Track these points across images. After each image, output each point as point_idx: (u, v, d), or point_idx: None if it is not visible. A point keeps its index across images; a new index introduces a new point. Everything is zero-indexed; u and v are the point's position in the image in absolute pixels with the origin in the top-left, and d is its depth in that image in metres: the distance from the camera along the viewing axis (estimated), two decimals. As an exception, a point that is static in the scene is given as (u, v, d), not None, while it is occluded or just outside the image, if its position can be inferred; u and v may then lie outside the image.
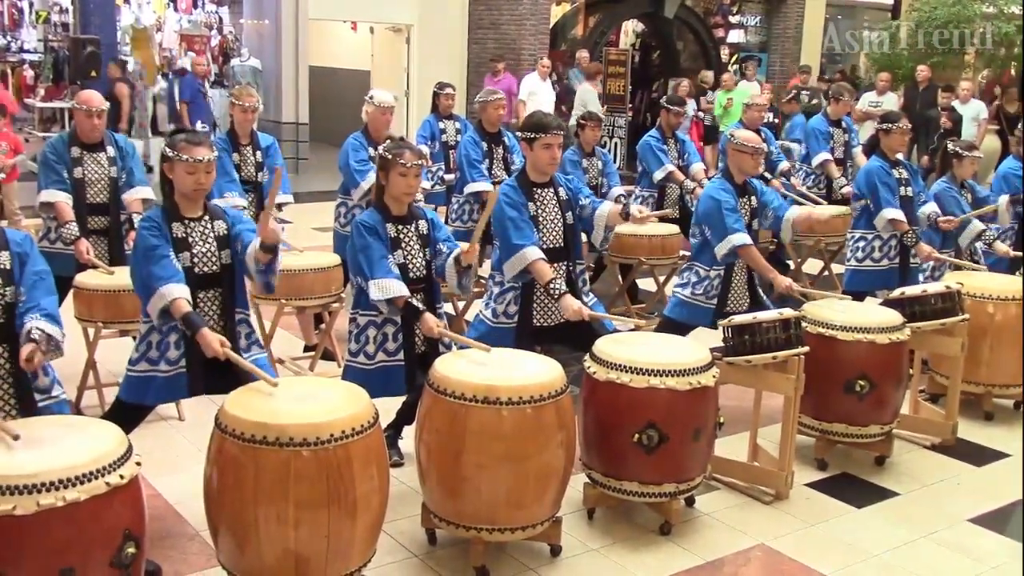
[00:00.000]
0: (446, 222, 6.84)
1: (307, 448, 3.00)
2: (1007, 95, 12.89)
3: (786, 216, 5.04)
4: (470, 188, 6.68)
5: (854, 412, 4.55)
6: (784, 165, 8.21)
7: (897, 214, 5.76)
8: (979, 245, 6.04)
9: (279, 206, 5.90)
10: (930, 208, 5.90)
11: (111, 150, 5.34)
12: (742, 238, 4.79)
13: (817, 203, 7.92)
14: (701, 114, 13.35)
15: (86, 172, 5.26)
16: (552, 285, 4.22)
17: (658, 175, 7.22)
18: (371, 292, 3.86)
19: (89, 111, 5.20)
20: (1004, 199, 6.19)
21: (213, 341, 3.49)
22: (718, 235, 4.83)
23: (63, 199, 5.14)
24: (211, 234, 3.72)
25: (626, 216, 4.44)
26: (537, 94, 12.28)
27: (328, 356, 5.75)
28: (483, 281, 5.51)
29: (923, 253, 5.75)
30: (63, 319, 3.30)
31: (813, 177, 8.26)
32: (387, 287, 3.85)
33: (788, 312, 4.33)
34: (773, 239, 6.70)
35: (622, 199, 6.94)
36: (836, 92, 8.61)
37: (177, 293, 3.53)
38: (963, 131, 10.90)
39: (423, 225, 4.09)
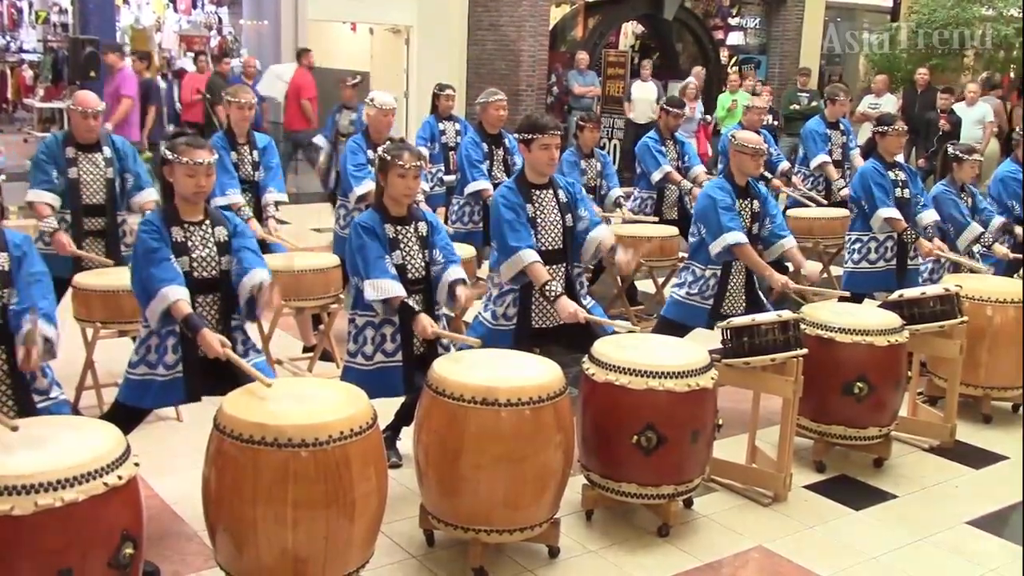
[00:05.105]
0: (446, 223, 6.85)
1: (305, 449, 3.00)
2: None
3: (781, 243, 5.01)
4: (470, 188, 6.68)
5: (852, 414, 4.55)
6: (784, 165, 8.29)
7: (893, 213, 5.76)
8: (977, 248, 6.05)
9: (276, 204, 5.91)
10: (930, 217, 5.89)
11: (107, 151, 5.33)
12: (736, 236, 4.79)
13: (820, 203, 7.98)
14: (708, 117, 13.33)
15: (81, 173, 5.24)
16: (548, 288, 4.21)
17: (656, 176, 7.26)
18: (367, 292, 3.87)
19: (85, 112, 5.19)
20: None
21: (214, 341, 3.49)
22: (712, 233, 4.84)
23: (46, 199, 5.13)
24: (211, 239, 3.72)
25: (612, 254, 4.44)
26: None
27: (327, 357, 5.76)
28: (482, 281, 5.51)
29: (924, 248, 5.74)
30: (61, 319, 3.30)
31: (812, 179, 8.30)
32: (382, 287, 3.85)
33: (786, 314, 4.33)
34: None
35: (620, 200, 6.98)
36: (831, 93, 8.64)
37: (178, 295, 3.53)
38: (963, 134, 10.89)
39: (422, 227, 4.09)
